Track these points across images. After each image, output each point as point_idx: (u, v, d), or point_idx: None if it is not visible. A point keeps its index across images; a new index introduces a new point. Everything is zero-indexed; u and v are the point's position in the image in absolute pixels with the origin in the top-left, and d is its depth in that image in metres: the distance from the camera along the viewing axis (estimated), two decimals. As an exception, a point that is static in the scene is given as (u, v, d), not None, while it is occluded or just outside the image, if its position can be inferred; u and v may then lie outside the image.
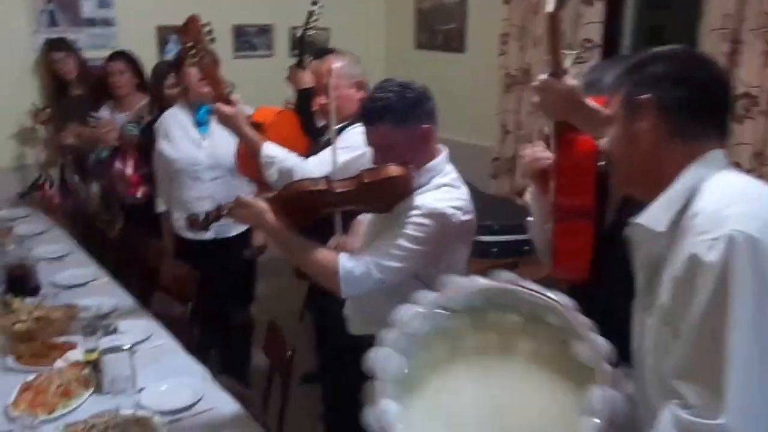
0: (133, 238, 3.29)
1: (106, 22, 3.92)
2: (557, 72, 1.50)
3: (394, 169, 1.68)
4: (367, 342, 1.90)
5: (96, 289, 2.59)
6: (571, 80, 1.52)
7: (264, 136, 2.30)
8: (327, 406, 2.72)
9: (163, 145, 2.86)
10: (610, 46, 3.74)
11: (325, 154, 2.25)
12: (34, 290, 2.51)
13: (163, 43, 4.12)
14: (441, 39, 4.60)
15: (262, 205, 1.75)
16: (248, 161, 2.35)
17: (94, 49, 3.82)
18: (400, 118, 1.68)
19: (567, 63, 1.61)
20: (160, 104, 3.07)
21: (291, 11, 4.43)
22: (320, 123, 2.83)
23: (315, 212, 1.80)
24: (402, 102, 1.68)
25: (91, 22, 3.87)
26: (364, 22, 4.79)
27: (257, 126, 2.34)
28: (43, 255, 2.84)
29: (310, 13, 2.77)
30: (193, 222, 1.87)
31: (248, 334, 3.13)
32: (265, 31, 4.45)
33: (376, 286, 1.69)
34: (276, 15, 4.39)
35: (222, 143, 2.81)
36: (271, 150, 2.21)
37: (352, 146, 2.25)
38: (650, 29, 3.71)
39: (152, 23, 4.05)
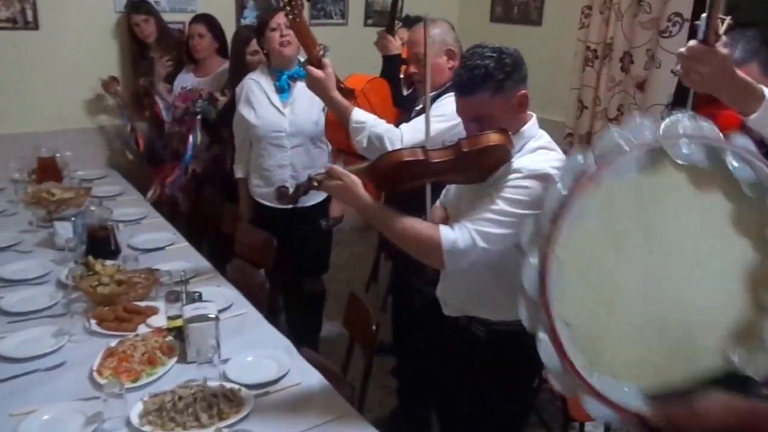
0: (206, 203, 3.17)
1: (187, -15, 3.75)
2: (710, 38, 1.28)
3: (494, 137, 1.53)
4: (464, 324, 1.76)
5: (174, 254, 2.47)
6: (724, 49, 1.30)
7: (354, 103, 2.12)
8: (402, 381, 2.56)
9: (245, 111, 2.69)
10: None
11: (418, 123, 2.09)
12: (114, 253, 2.40)
13: (240, 8, 3.95)
14: (517, 12, 4.31)
15: (354, 177, 1.60)
16: (337, 128, 2.18)
17: (173, 12, 3.68)
18: (498, 85, 1.53)
19: (721, 30, 1.37)
20: (241, 70, 2.89)
21: None
22: (407, 91, 2.64)
23: (407, 184, 1.65)
24: (500, 69, 1.52)
25: (173, -15, 3.71)
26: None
27: (349, 92, 2.16)
28: (120, 217, 2.73)
29: None
30: (283, 194, 1.72)
31: (320, 303, 2.99)
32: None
33: (480, 258, 1.52)
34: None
35: (304, 110, 2.66)
36: (360, 115, 2.05)
37: (445, 115, 2.06)
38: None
39: (231, -13, 3.88)
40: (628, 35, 3.54)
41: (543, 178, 1.51)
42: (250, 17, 3.95)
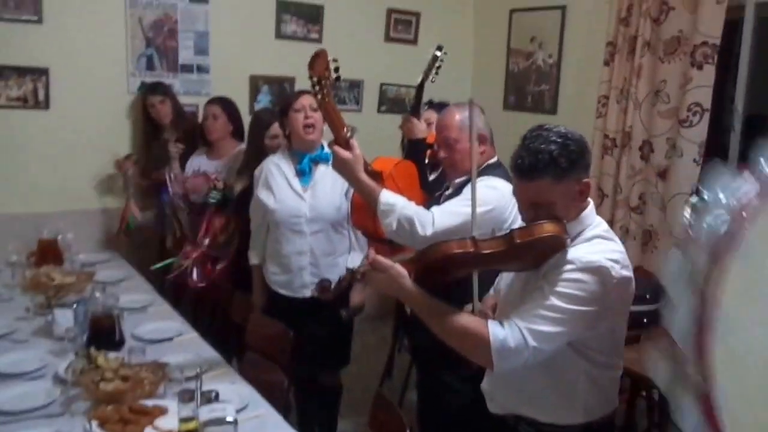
0: (216, 290, 3.02)
1: (202, 69, 3.79)
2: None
3: (548, 227, 1.46)
4: (511, 423, 1.60)
5: (183, 346, 2.31)
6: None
7: (382, 185, 2.05)
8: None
9: (263, 195, 2.60)
10: (719, 111, 3.46)
11: (450, 206, 2.04)
12: (118, 344, 2.22)
13: (255, 92, 3.97)
14: (531, 100, 4.36)
15: (399, 268, 1.53)
16: (363, 212, 2.10)
17: (187, 95, 3.70)
18: (562, 173, 1.46)
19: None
20: (259, 154, 2.83)
21: (381, 68, 4.33)
22: (433, 175, 2.57)
23: (455, 275, 1.58)
24: (565, 156, 1.46)
25: (187, 69, 3.75)
26: (451, 81, 4.61)
27: (377, 175, 2.09)
28: (124, 304, 2.56)
29: (435, 59, 2.54)
30: (325, 288, 1.63)
31: (337, 399, 2.80)
32: (355, 86, 4.28)
33: (531, 357, 1.42)
34: (366, 71, 4.23)
35: (325, 195, 2.58)
36: (390, 197, 1.99)
37: (478, 200, 1.97)
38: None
39: (245, 72, 3.93)
40: (647, 124, 3.55)
41: (598, 271, 1.44)
42: (264, 101, 3.97)
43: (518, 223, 2.05)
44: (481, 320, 1.47)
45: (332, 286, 1.63)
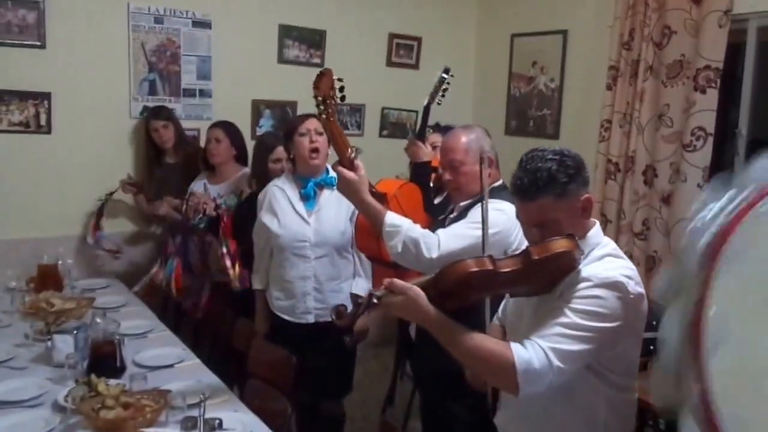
0: (216, 315, 3.00)
1: (204, 93, 3.81)
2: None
3: (563, 243, 1.46)
4: None
5: (185, 372, 2.29)
6: None
7: (386, 207, 2.05)
8: None
9: (267, 219, 2.60)
10: (723, 135, 3.48)
11: (455, 229, 2.04)
12: (118, 370, 2.21)
13: (257, 116, 4.00)
14: (533, 125, 4.39)
15: (417, 290, 1.49)
16: (367, 234, 2.10)
17: (188, 119, 3.71)
18: (562, 189, 1.48)
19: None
20: (262, 178, 2.84)
21: (382, 92, 4.38)
22: (438, 198, 2.58)
23: (471, 297, 1.57)
24: (563, 172, 1.47)
25: (189, 93, 3.77)
26: (452, 106, 4.65)
27: (381, 196, 2.10)
28: (124, 330, 2.54)
29: (441, 81, 2.56)
30: (341, 314, 1.60)
31: (339, 428, 2.77)
32: (356, 110, 4.32)
33: (554, 379, 1.40)
34: (368, 95, 4.26)
35: (330, 219, 2.58)
36: (395, 219, 1.98)
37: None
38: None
39: (248, 96, 3.95)
40: (650, 149, 3.57)
41: (615, 286, 1.44)
42: (266, 126, 3.99)
43: (524, 246, 2.06)
44: (504, 342, 1.46)
45: (349, 311, 1.60)
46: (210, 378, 2.25)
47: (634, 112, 3.56)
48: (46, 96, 3.33)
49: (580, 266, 1.49)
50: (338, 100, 1.95)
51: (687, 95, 3.36)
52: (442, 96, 2.62)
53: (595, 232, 1.58)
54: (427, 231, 1.99)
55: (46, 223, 3.39)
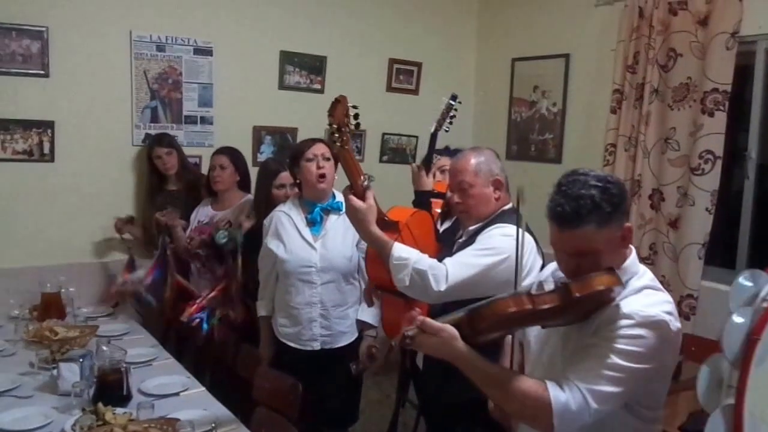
0: (220, 343, 3.05)
1: (205, 120, 3.91)
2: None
3: (606, 279, 1.43)
4: None
5: (191, 401, 2.33)
6: None
7: (398, 237, 2.09)
8: None
9: (273, 245, 2.67)
10: (731, 158, 3.53)
11: (463, 257, 2.06)
12: (125, 399, 2.25)
13: (258, 142, 4.09)
14: (534, 150, 4.48)
15: (451, 330, 1.49)
16: (378, 263, 2.12)
17: (190, 146, 3.81)
18: (606, 218, 1.44)
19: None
20: (266, 204, 2.92)
21: (383, 117, 4.48)
22: (444, 225, 2.64)
23: (507, 332, 1.59)
24: (607, 200, 1.44)
25: (191, 120, 3.87)
26: (452, 131, 4.74)
27: (393, 225, 2.14)
28: (129, 359, 2.59)
29: (449, 107, 2.63)
30: (372, 356, 1.63)
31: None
32: (357, 136, 4.41)
33: (590, 420, 1.39)
34: (368, 120, 4.32)
35: (336, 245, 2.65)
36: (402, 251, 2.01)
37: (493, 249, 2.04)
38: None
39: (249, 123, 4.05)
40: (657, 172, 3.63)
41: (658, 326, 1.42)
42: (267, 152, 4.08)
43: (535, 272, 2.07)
44: (539, 382, 1.45)
45: (380, 353, 1.62)
46: (216, 406, 2.29)
47: (639, 135, 3.64)
48: (49, 125, 3.42)
49: (619, 299, 1.47)
50: (352, 128, 2.00)
51: (694, 118, 3.42)
52: (450, 123, 2.69)
53: (632, 261, 1.55)
54: (434, 262, 2.00)
55: (49, 251, 3.45)
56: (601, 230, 1.44)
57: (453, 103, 2.65)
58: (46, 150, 3.44)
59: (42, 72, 3.39)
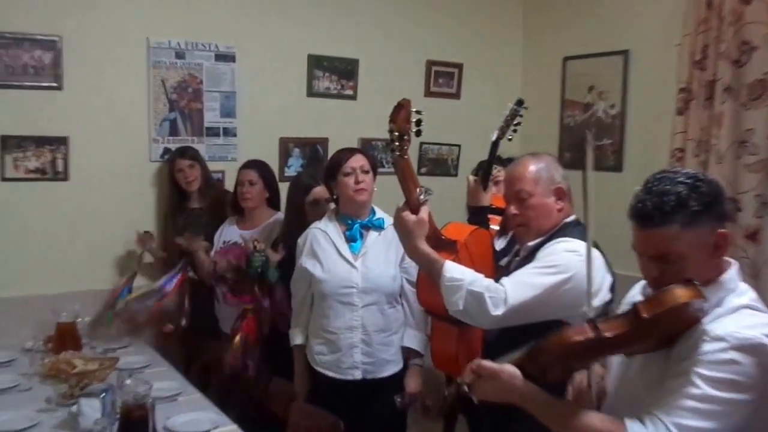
0: (249, 375, 3.05)
1: (228, 132, 3.97)
2: None
3: (680, 293, 1.39)
4: None
5: (222, 440, 2.33)
6: None
7: (456, 258, 2.08)
8: None
9: (309, 265, 2.68)
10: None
11: (521, 276, 2.04)
12: (150, 437, 2.26)
13: (285, 156, 4.13)
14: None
15: (511, 370, 1.49)
16: (430, 287, 2.11)
17: (212, 161, 3.85)
18: (692, 218, 1.42)
19: None
20: (299, 222, 2.94)
21: (422, 126, 4.46)
22: (500, 243, 2.62)
23: (577, 365, 1.57)
24: (696, 198, 1.43)
25: (213, 132, 3.93)
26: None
27: (451, 245, 2.13)
28: (153, 393, 2.61)
29: (513, 115, 2.62)
30: (426, 408, 1.64)
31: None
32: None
33: None
34: (407, 129, 4.36)
35: (379, 264, 2.66)
36: (455, 271, 1.98)
37: (557, 267, 2.01)
38: None
39: (275, 134, 4.10)
40: (732, 179, 3.56)
41: (756, 350, 1.36)
42: (295, 166, 4.11)
43: (603, 292, 2.05)
44: (616, 419, 1.43)
45: (436, 405, 1.63)
46: (249, 446, 2.29)
47: (711, 138, 3.58)
48: (62, 141, 3.51)
49: (710, 319, 1.43)
50: (414, 135, 2.01)
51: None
52: (514, 131, 2.67)
53: (731, 276, 1.50)
54: (491, 282, 1.98)
55: (63, 278, 3.51)
56: (687, 232, 1.42)
57: (519, 109, 2.63)
58: (60, 168, 3.52)
59: (55, 84, 3.49)
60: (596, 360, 1.60)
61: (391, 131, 2.00)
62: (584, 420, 1.43)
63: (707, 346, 1.38)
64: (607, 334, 1.43)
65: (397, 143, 1.97)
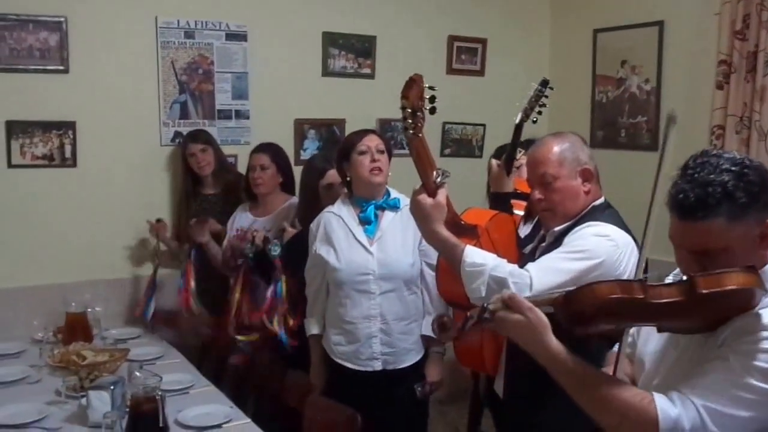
0: (264, 367, 3.08)
1: (240, 115, 3.98)
2: None
3: (742, 278, 1.36)
4: None
5: (235, 433, 2.35)
6: None
7: (477, 243, 2.06)
8: None
9: (323, 251, 2.68)
10: None
11: (548, 261, 2.01)
12: (161, 431, 2.29)
13: (300, 138, 4.13)
14: (624, 135, 4.38)
15: (542, 316, 1.45)
16: (450, 275, 2.09)
17: (225, 144, 3.86)
18: (739, 211, 1.38)
19: None
20: (313, 206, 2.94)
21: (443, 104, 4.35)
22: (525, 230, 2.60)
23: (608, 326, 1.49)
24: (743, 189, 1.38)
25: (225, 115, 3.94)
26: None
27: (471, 230, 2.12)
28: (164, 386, 2.64)
29: (538, 95, 2.59)
30: (444, 326, 1.58)
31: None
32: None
33: None
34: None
35: (396, 248, 2.65)
36: (477, 256, 1.96)
37: (585, 252, 1.99)
38: None
39: (289, 116, 4.10)
40: (771, 160, 3.51)
41: None
42: (311, 148, 4.11)
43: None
44: (644, 393, 1.40)
45: (456, 324, 1.55)
46: (264, 440, 2.31)
47: (753, 114, 3.53)
48: (70, 125, 3.55)
49: (759, 309, 1.39)
50: (427, 113, 1.99)
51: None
52: (539, 113, 2.64)
53: None
54: (515, 267, 1.96)
55: (73, 267, 3.57)
56: (733, 225, 1.38)
57: (543, 89, 2.60)
58: (68, 154, 3.56)
59: (61, 67, 3.52)
60: (629, 324, 1.54)
61: (403, 108, 1.99)
62: (610, 389, 1.39)
63: (756, 335, 1.35)
64: (655, 300, 1.39)
65: (410, 120, 1.96)
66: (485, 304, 1.49)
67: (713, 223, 1.38)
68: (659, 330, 1.53)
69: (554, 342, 1.44)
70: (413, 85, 1.97)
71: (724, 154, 1.44)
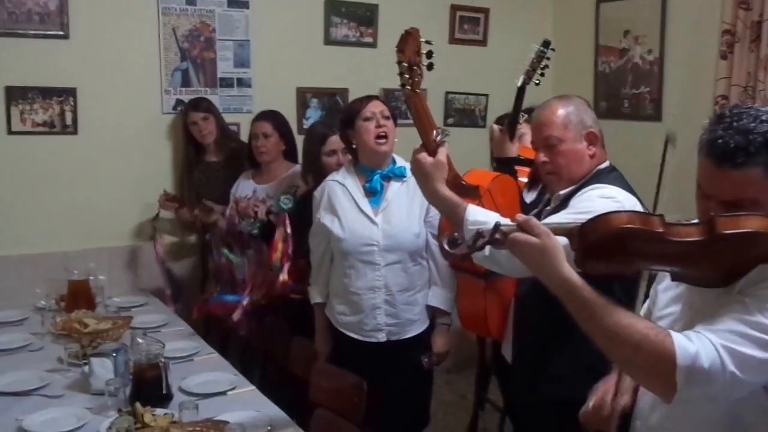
0: (269, 335, 3.01)
1: (242, 83, 3.88)
2: None
3: (764, 223, 1.29)
4: None
5: (239, 400, 2.29)
6: None
7: (479, 203, 1.99)
8: None
9: (327, 220, 2.60)
10: None
11: (557, 221, 1.92)
12: (165, 398, 2.23)
13: (303, 107, 4.04)
14: (627, 106, 4.30)
15: (557, 241, 1.36)
16: None
17: (226, 113, 3.77)
18: None
19: None
20: (315, 173, 2.86)
21: (446, 74, 4.32)
22: (530, 196, 2.52)
23: (621, 261, 1.38)
24: None
25: (227, 83, 3.84)
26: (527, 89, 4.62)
27: (472, 190, 2.04)
28: (167, 353, 2.57)
29: (540, 57, 2.50)
30: (454, 243, 1.47)
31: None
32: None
33: (725, 390, 1.26)
34: (429, 78, 4.21)
35: (401, 219, 2.56)
36: (479, 214, 1.87)
37: (591, 213, 1.86)
38: None
39: (291, 85, 4.01)
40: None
41: None
42: (313, 117, 4.02)
43: None
44: (661, 327, 1.32)
45: (465, 243, 1.44)
46: (270, 408, 2.25)
47: (758, 84, 3.45)
48: (71, 92, 3.45)
49: None
50: (425, 69, 1.89)
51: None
52: (541, 74, 2.55)
53: None
54: None
55: (75, 235, 3.50)
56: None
57: (545, 50, 2.51)
58: (69, 121, 3.47)
59: (61, 33, 3.41)
60: (644, 263, 1.45)
61: (399, 62, 1.91)
62: (625, 318, 1.29)
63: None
64: (675, 238, 1.31)
65: (407, 76, 1.88)
66: (499, 222, 1.40)
67: (750, 171, 1.31)
68: (673, 278, 1.45)
69: (567, 268, 1.35)
70: (408, 38, 1.90)
71: (762, 107, 1.37)
